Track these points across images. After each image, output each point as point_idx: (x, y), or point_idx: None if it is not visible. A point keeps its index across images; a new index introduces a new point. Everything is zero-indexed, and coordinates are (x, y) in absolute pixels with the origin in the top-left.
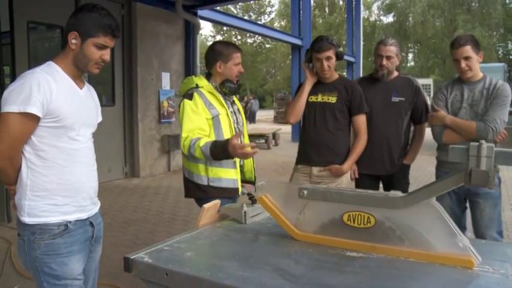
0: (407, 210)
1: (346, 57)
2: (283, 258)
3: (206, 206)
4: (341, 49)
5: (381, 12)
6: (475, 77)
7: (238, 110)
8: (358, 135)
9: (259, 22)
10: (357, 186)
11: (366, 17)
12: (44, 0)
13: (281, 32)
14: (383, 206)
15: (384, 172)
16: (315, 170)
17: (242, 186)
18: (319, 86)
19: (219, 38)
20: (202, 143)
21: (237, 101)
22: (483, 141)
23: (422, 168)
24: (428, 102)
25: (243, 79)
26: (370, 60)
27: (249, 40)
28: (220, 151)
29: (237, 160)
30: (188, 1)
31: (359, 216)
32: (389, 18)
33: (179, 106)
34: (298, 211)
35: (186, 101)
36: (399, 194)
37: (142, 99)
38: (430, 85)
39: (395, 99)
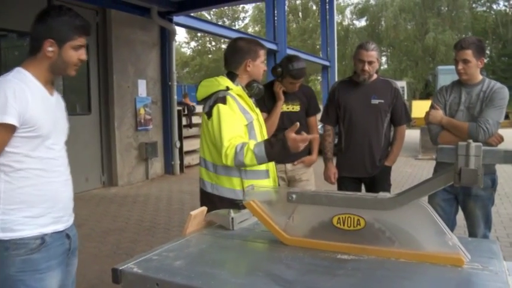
0: (397, 211)
1: (321, 61)
2: (274, 263)
3: (193, 213)
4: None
5: (354, 16)
6: (473, 80)
7: (257, 114)
8: (313, 132)
9: (233, 28)
10: (339, 188)
11: (339, 21)
12: (15, 8)
13: (256, 37)
14: (372, 207)
15: (366, 174)
16: (289, 165)
17: None
18: (284, 96)
19: (193, 44)
20: (252, 145)
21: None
22: (471, 141)
23: (400, 169)
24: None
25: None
26: (344, 64)
27: (223, 46)
28: (279, 148)
29: (271, 168)
30: (163, 7)
31: (349, 218)
32: (362, 22)
33: (208, 112)
34: (287, 215)
35: (220, 105)
36: (388, 195)
37: (119, 107)
38: (404, 87)
39: (374, 101)
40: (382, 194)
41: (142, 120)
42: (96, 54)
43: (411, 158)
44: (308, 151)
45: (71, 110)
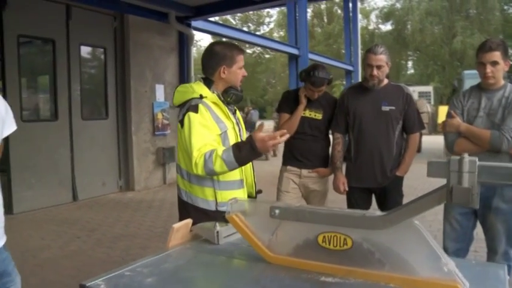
0: (387, 231)
1: (344, 66)
2: (250, 284)
3: (176, 226)
4: (331, 76)
5: (379, 20)
6: (496, 84)
7: (239, 120)
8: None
9: (257, 33)
10: (349, 200)
11: (364, 25)
12: (35, 14)
13: (277, 41)
14: (360, 226)
15: (376, 185)
16: (305, 171)
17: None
18: (308, 102)
19: None
20: (220, 151)
21: (237, 111)
22: (465, 155)
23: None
24: (429, 109)
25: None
26: None
27: (248, 51)
28: (247, 151)
29: (244, 178)
30: (181, 12)
31: (335, 237)
32: (387, 26)
33: (181, 120)
34: (270, 232)
35: (191, 114)
36: (377, 212)
37: (136, 111)
38: (430, 92)
39: (385, 108)
40: (371, 212)
41: (159, 125)
42: (114, 59)
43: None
44: (325, 160)
45: (88, 115)
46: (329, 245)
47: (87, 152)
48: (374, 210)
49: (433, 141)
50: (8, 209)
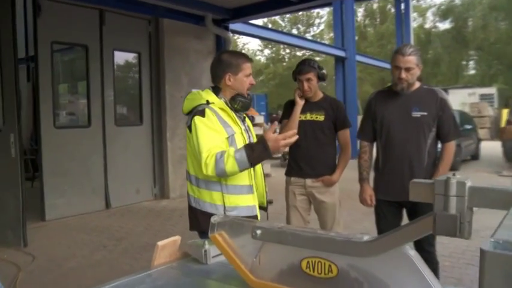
0: (375, 258)
1: None
2: None
3: (161, 243)
4: (324, 71)
5: (437, 18)
6: None
7: (248, 128)
8: (344, 148)
9: (307, 35)
10: (377, 214)
11: (419, 24)
12: (68, 20)
13: (321, 43)
14: (344, 252)
15: (405, 198)
16: (309, 181)
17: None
18: (307, 105)
19: (267, 52)
20: (232, 151)
21: (247, 118)
22: (454, 173)
23: None
24: (491, 113)
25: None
26: (425, 71)
27: (298, 53)
28: (260, 151)
29: (254, 184)
30: (218, 15)
31: (319, 263)
32: (445, 24)
33: (189, 126)
34: (254, 254)
35: (198, 118)
36: (365, 237)
37: (171, 117)
38: (493, 94)
39: (416, 114)
40: (358, 236)
41: None
42: (149, 64)
43: (494, 174)
44: (333, 168)
45: (122, 121)
46: (313, 271)
47: (121, 158)
48: (362, 234)
49: (494, 148)
50: (41, 215)
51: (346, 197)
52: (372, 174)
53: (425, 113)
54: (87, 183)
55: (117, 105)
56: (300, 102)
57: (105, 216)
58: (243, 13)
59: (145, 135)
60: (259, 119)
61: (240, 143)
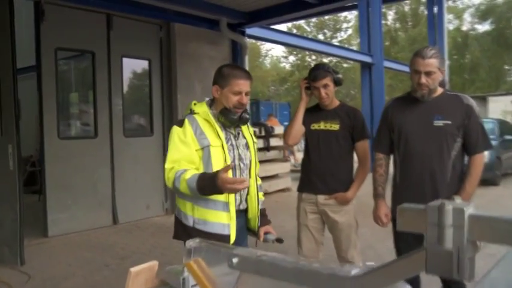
0: None
1: None
2: None
3: (134, 270)
4: (339, 75)
5: (475, 19)
6: None
7: (246, 144)
8: (362, 161)
9: (334, 40)
10: (395, 235)
11: (456, 26)
12: (73, 25)
13: (345, 48)
14: (327, 287)
15: None
16: (321, 198)
17: (267, 232)
18: (321, 113)
19: (291, 58)
20: (188, 175)
21: (248, 136)
22: (453, 197)
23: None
24: None
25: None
26: (463, 77)
27: (325, 60)
28: (208, 184)
29: (233, 202)
30: (234, 19)
31: None
32: (485, 26)
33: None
34: (231, 284)
35: (175, 128)
36: (353, 271)
37: None
38: None
39: (438, 122)
40: (346, 269)
41: None
42: (160, 72)
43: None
44: (348, 184)
45: (131, 132)
46: None
47: (130, 171)
48: (351, 266)
49: None
50: (43, 231)
51: (370, 214)
52: (389, 190)
53: (448, 122)
54: (93, 198)
55: (125, 115)
56: (305, 98)
57: (112, 233)
58: (260, 17)
59: (156, 146)
60: (281, 129)
61: (216, 156)
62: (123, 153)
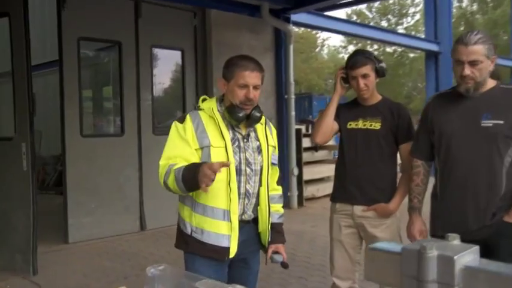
0: None
1: (509, 63)
2: None
3: None
4: (382, 64)
5: None
6: None
7: (258, 148)
8: (407, 168)
9: (399, 27)
10: None
11: None
12: (98, 13)
13: (407, 35)
14: None
15: (469, 236)
16: (357, 209)
17: (275, 252)
18: (360, 109)
19: (351, 48)
20: (176, 167)
21: (262, 138)
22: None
23: None
24: None
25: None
26: None
27: (388, 49)
28: (192, 173)
29: (236, 211)
30: (277, 4)
31: None
32: None
33: None
34: None
35: (175, 123)
36: None
37: None
38: None
39: (487, 123)
40: None
41: None
42: (194, 63)
43: None
44: (391, 193)
45: (161, 129)
46: None
47: (155, 170)
48: None
49: None
50: (63, 237)
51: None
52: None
53: (500, 122)
54: (118, 201)
55: (155, 110)
56: (340, 89)
57: (137, 240)
58: (306, 1)
59: None
60: None
61: (217, 158)
62: (153, 153)
